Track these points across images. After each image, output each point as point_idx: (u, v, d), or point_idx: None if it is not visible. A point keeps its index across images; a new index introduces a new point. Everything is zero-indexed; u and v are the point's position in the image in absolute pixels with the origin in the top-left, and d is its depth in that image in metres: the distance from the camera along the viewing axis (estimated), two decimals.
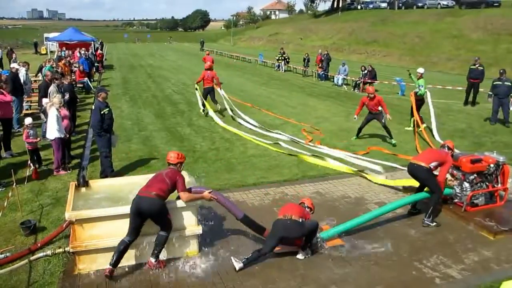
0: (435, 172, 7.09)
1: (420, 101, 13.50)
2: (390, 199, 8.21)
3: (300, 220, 5.82)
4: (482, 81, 17.70)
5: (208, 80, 15.16)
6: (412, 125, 13.27)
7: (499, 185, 7.65)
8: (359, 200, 8.17)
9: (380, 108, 11.58)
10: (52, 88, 11.51)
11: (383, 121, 11.62)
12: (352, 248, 6.33)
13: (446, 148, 7.38)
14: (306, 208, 6.22)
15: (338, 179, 9.19)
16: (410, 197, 7.38)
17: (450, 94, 21.30)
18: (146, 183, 5.66)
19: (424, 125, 13.13)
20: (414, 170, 7.12)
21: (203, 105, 15.61)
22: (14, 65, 14.60)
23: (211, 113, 14.85)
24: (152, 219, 5.51)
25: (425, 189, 7.30)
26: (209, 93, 15.26)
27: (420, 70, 14.05)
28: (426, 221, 7.07)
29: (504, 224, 6.87)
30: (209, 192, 5.93)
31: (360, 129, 12.32)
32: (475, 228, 6.96)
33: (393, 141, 11.80)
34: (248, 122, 14.04)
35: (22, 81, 14.09)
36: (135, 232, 5.48)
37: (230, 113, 14.99)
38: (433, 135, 12.72)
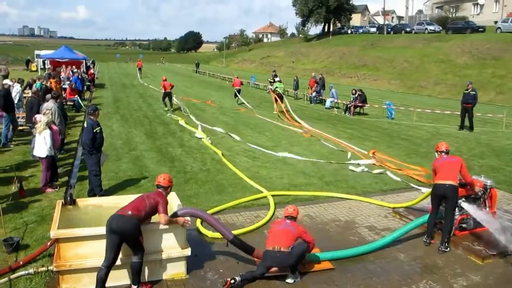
0: None
1: (279, 96, 23.21)
2: (380, 222, 8.21)
3: (289, 250, 5.83)
4: (474, 106, 17.88)
5: (166, 86, 21.87)
6: (276, 112, 21.28)
7: (487, 209, 7.68)
8: (350, 224, 8.14)
9: None
10: (50, 105, 11.49)
11: None
12: (342, 271, 6.28)
13: (446, 152, 7.36)
14: (295, 222, 6.14)
15: (329, 202, 9.18)
16: (412, 223, 7.36)
17: (438, 118, 21.60)
18: None
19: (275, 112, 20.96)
20: (447, 191, 6.93)
21: (165, 105, 22.06)
22: (6, 81, 14.57)
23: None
24: (123, 239, 5.26)
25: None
26: (167, 95, 21.88)
27: (277, 78, 27.96)
28: (442, 248, 6.98)
29: (492, 249, 6.86)
30: (185, 221, 5.73)
31: None
32: (463, 253, 6.96)
33: None
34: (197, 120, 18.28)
35: (17, 98, 14.08)
36: (112, 255, 5.23)
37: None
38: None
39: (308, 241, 6.05)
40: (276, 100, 22.51)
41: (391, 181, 10.74)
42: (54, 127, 9.42)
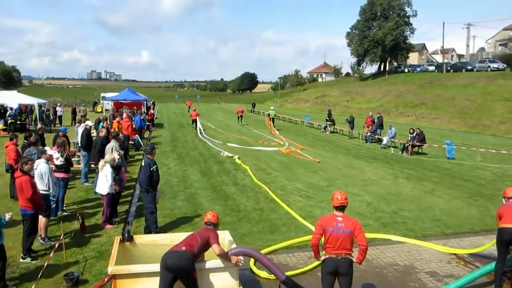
0: None
1: (272, 120, 33.99)
2: (443, 268, 7.73)
3: (352, 257, 5.44)
4: None
5: (193, 115, 33.00)
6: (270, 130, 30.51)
7: None
8: (409, 269, 7.73)
9: None
10: (114, 144, 12.12)
11: None
12: None
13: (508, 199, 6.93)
14: (345, 214, 5.58)
15: (387, 245, 8.81)
16: (478, 271, 6.87)
17: (505, 159, 20.44)
18: None
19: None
20: None
21: (195, 127, 31.34)
22: (88, 123, 15.51)
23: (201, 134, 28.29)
24: (177, 275, 5.29)
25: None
26: (194, 121, 32.23)
27: (272, 108, 37.50)
28: None
29: None
30: (238, 260, 5.72)
31: None
32: None
33: None
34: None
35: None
36: None
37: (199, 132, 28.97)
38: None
39: (363, 244, 5.37)
40: (272, 122, 33.92)
41: (454, 224, 10.18)
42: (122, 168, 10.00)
